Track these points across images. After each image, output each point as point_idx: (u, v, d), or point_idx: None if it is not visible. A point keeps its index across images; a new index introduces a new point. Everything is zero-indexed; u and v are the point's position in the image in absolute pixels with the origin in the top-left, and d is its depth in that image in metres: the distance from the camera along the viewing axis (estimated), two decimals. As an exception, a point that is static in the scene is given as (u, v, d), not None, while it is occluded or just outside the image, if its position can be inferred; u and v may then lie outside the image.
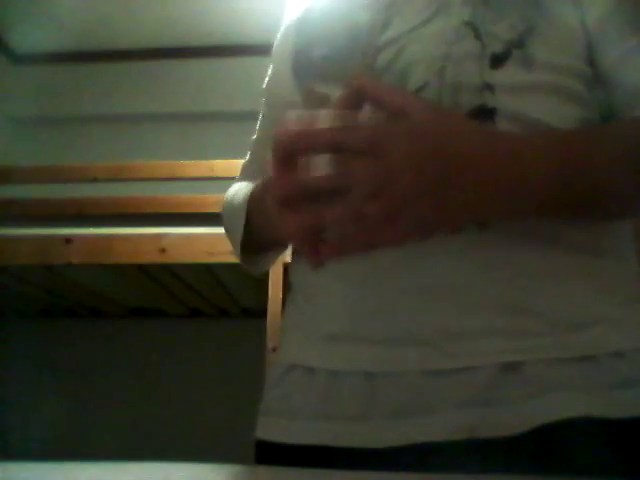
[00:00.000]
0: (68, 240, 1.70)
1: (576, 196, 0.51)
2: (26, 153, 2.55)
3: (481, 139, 0.48)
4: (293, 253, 0.67)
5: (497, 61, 0.55)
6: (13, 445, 2.21)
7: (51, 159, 2.20)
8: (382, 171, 0.43)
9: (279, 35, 0.76)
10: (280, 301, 1.60)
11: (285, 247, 0.69)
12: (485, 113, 0.54)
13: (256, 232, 0.65)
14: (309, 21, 0.69)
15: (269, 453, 0.59)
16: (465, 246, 0.52)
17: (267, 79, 0.77)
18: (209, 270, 1.86)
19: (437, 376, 0.50)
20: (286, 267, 1.49)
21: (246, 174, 0.77)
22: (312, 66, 0.64)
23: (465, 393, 0.49)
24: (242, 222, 0.65)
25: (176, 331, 2.46)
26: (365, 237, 0.45)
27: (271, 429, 0.59)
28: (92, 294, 2.19)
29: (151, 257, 1.70)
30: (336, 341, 0.56)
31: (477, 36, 0.56)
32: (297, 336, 0.61)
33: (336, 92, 0.60)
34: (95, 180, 1.97)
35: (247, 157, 0.80)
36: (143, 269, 1.86)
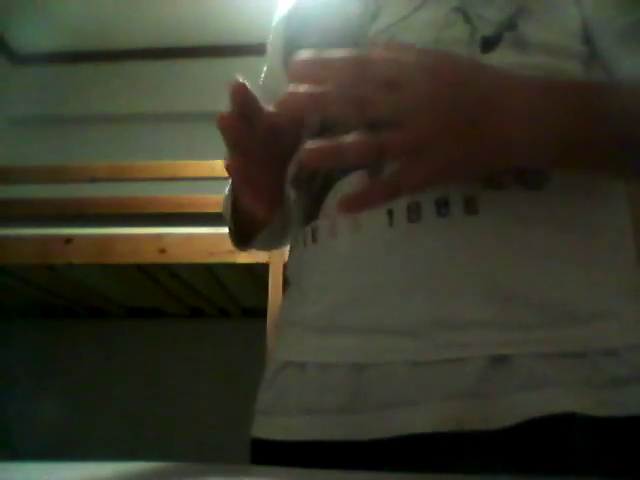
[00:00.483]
0: (68, 240, 1.70)
1: (604, 141, 0.49)
2: (26, 153, 2.55)
3: (507, 78, 0.47)
4: (290, 249, 0.67)
5: (488, 45, 0.54)
6: (13, 445, 2.21)
7: (51, 159, 2.20)
8: (409, 100, 0.42)
9: (272, 30, 0.76)
10: (280, 301, 1.60)
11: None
12: None
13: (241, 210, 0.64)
14: (299, 13, 0.68)
15: (264, 452, 0.59)
16: (454, 233, 0.51)
17: (262, 75, 0.77)
18: (209, 270, 1.86)
19: (425, 367, 0.50)
20: (286, 266, 1.49)
21: None
22: None
23: (453, 385, 0.49)
24: (230, 201, 0.66)
25: (176, 331, 2.46)
26: (390, 179, 0.43)
27: (266, 427, 0.59)
28: (92, 294, 2.19)
29: (151, 257, 1.70)
30: (325, 333, 0.55)
31: (467, 20, 0.55)
32: (290, 332, 0.61)
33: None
34: (95, 180, 1.97)
35: None
36: (143, 269, 1.86)
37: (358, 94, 0.42)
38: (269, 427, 0.58)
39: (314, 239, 0.57)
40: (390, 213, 0.52)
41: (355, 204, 0.45)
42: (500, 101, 0.45)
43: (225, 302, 2.30)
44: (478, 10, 0.56)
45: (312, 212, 0.58)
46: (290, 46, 0.66)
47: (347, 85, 0.42)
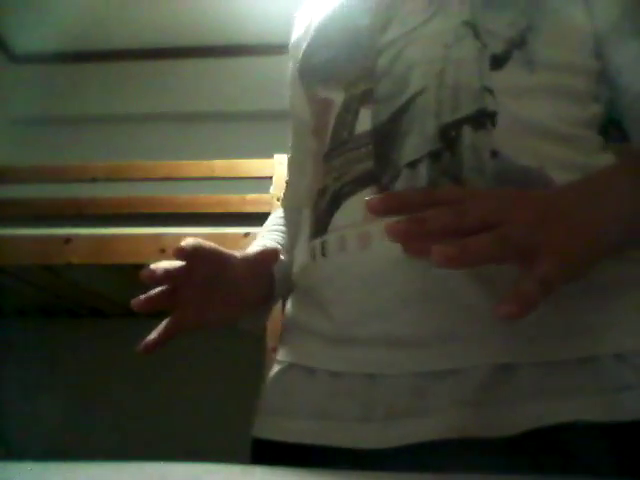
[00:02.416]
0: (68, 240, 1.70)
1: None
2: (26, 153, 2.55)
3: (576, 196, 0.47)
4: (296, 258, 0.68)
5: (497, 63, 0.55)
6: (13, 445, 2.21)
7: (51, 159, 2.20)
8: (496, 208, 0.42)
9: (291, 49, 0.77)
10: (280, 301, 1.60)
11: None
12: (485, 117, 0.53)
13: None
14: (313, 28, 0.69)
15: (266, 452, 0.59)
16: None
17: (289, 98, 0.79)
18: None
19: (432, 377, 0.51)
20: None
21: (285, 200, 0.82)
22: (315, 71, 0.65)
23: (459, 393, 0.50)
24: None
25: (176, 331, 2.46)
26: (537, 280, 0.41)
27: (270, 428, 0.59)
28: (92, 294, 2.19)
29: (151, 257, 1.69)
30: (338, 343, 0.56)
31: (476, 35, 0.56)
32: (298, 336, 0.62)
33: (337, 95, 0.60)
34: (95, 180, 1.97)
35: (285, 181, 0.84)
36: (143, 269, 1.86)
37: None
38: (274, 428, 0.58)
39: (324, 253, 0.58)
40: None
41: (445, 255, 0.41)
42: (580, 203, 0.45)
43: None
44: (488, 25, 0.56)
45: (320, 227, 0.59)
46: (304, 62, 0.68)
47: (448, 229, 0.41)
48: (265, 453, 0.59)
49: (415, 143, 0.54)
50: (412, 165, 0.54)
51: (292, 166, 0.81)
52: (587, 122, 0.57)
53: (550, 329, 0.50)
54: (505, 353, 0.50)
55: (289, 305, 0.67)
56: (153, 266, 0.56)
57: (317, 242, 0.59)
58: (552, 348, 0.50)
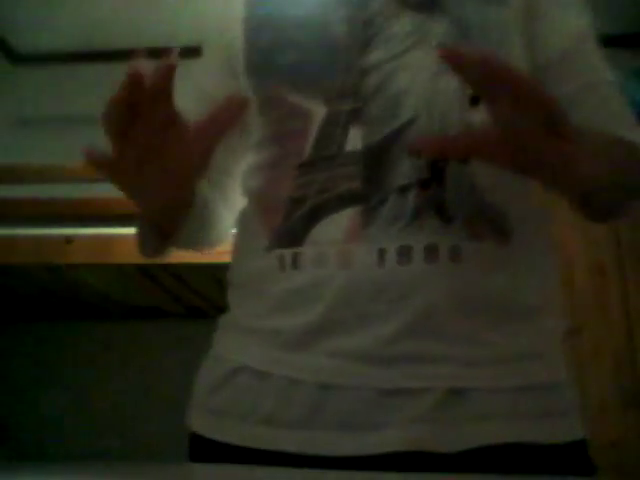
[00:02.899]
0: (68, 240, 1.69)
1: (614, 177, 0.57)
2: (26, 153, 2.54)
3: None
4: (244, 257, 0.66)
5: (475, 100, 0.58)
6: (14, 445, 2.21)
7: (51, 159, 2.19)
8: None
9: (217, 31, 0.75)
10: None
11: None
12: None
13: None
14: (271, 20, 0.67)
15: (208, 450, 0.60)
16: (439, 275, 0.55)
17: (198, 75, 0.76)
18: (209, 270, 1.86)
19: (389, 394, 0.54)
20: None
21: None
22: (279, 71, 0.64)
23: (415, 411, 0.53)
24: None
25: (176, 331, 2.46)
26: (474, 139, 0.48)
27: (218, 429, 0.59)
28: (92, 294, 2.18)
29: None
30: (295, 351, 0.57)
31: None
32: (249, 338, 0.61)
33: (315, 106, 0.60)
34: (95, 180, 1.97)
35: None
36: (143, 269, 1.86)
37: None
38: (220, 429, 0.59)
39: (295, 265, 0.58)
40: (381, 253, 0.55)
41: (430, 146, 0.48)
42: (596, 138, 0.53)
43: (225, 302, 2.29)
44: None
45: (293, 237, 0.59)
46: (261, 55, 0.65)
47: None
48: (207, 451, 0.59)
49: (406, 169, 0.57)
50: (401, 190, 0.56)
51: None
52: None
53: (495, 357, 0.56)
54: (459, 378, 0.54)
55: (237, 304, 0.66)
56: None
57: (287, 252, 0.59)
58: (498, 376, 0.55)
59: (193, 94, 0.76)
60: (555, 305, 0.63)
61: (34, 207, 1.89)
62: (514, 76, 0.44)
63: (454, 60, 0.44)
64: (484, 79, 0.44)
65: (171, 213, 0.62)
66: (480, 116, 0.56)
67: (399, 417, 0.53)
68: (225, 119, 0.51)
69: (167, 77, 0.50)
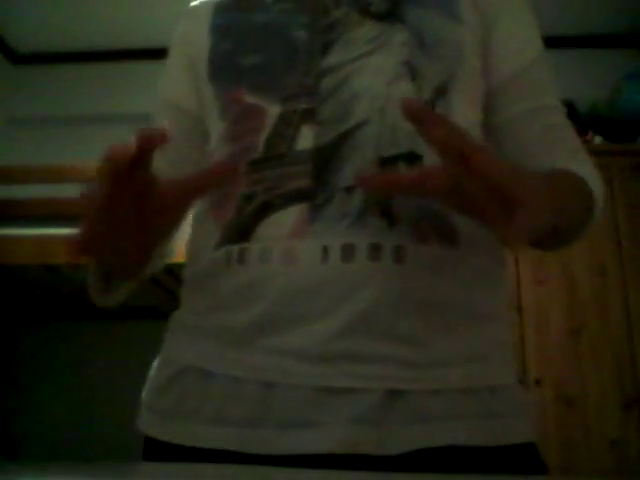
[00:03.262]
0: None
1: (564, 220, 0.58)
2: (26, 153, 2.55)
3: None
4: (197, 256, 0.65)
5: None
6: (14, 445, 2.21)
7: (51, 159, 2.19)
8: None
9: (179, 36, 0.75)
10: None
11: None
12: (415, 157, 0.58)
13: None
14: (233, 26, 0.68)
15: (160, 452, 0.59)
16: (382, 274, 0.55)
17: (163, 86, 0.76)
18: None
19: (330, 393, 0.53)
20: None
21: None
22: (240, 74, 0.64)
23: (354, 411, 0.53)
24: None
25: (176, 331, 2.46)
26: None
27: (165, 430, 0.59)
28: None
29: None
30: (239, 349, 0.57)
31: (413, 77, 0.60)
32: (195, 338, 0.61)
33: (271, 105, 0.61)
34: (94, 180, 1.97)
35: None
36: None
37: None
38: (168, 430, 0.59)
39: (241, 260, 0.58)
40: (325, 250, 0.55)
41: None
42: (547, 187, 0.52)
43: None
44: (422, 69, 0.61)
45: (241, 233, 0.59)
46: (224, 59, 0.66)
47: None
48: (156, 452, 0.59)
49: (353, 170, 0.57)
50: (347, 190, 0.57)
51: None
52: None
53: (436, 359, 0.55)
54: (399, 379, 0.54)
55: (184, 304, 0.66)
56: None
57: (235, 248, 0.59)
58: (439, 378, 0.55)
59: (159, 104, 0.77)
60: (502, 313, 0.63)
61: (34, 207, 1.89)
62: (469, 148, 0.43)
63: (415, 114, 0.45)
64: (440, 140, 0.44)
65: (135, 267, 0.60)
66: None
67: (337, 417, 0.52)
68: (209, 183, 0.50)
69: (151, 147, 0.46)
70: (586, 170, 0.64)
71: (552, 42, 3.15)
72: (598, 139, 2.52)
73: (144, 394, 0.64)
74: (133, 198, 0.48)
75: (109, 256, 0.53)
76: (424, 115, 0.45)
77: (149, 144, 0.45)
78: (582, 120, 2.62)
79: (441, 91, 0.61)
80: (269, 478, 0.43)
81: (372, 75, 0.60)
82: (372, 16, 0.63)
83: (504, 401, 0.57)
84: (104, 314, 2.48)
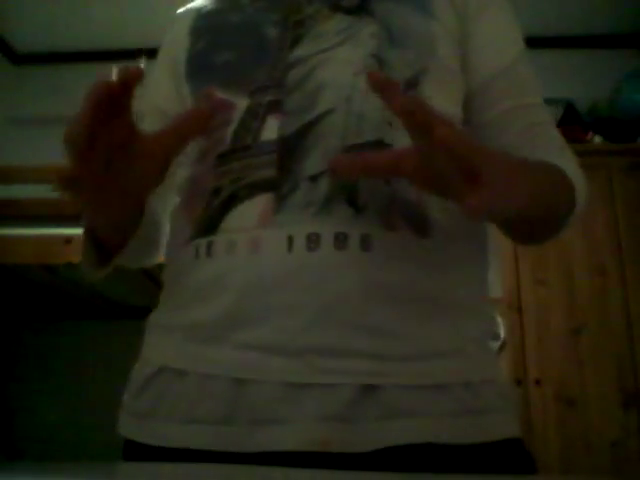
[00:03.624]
0: (68, 240, 1.69)
1: (538, 208, 0.55)
2: (26, 153, 2.55)
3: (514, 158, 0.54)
4: (171, 256, 0.66)
5: None
6: (15, 445, 2.21)
7: (51, 159, 2.19)
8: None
9: (165, 38, 0.77)
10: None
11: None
12: (384, 146, 0.57)
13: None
14: (209, 27, 0.70)
15: (139, 454, 0.59)
16: (347, 266, 0.54)
17: (148, 87, 0.77)
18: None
19: (299, 389, 0.52)
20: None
21: None
22: (212, 72, 0.65)
23: (323, 408, 0.51)
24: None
25: (176, 331, 2.46)
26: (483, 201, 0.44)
27: (142, 432, 0.59)
28: (92, 294, 2.19)
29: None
30: (209, 344, 0.56)
31: (381, 69, 0.60)
32: (169, 337, 0.61)
33: (240, 99, 0.61)
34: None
35: None
36: (143, 269, 1.86)
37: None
38: (145, 432, 0.58)
39: (209, 253, 0.58)
40: (290, 239, 0.54)
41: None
42: (521, 170, 0.52)
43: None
44: (391, 61, 0.61)
45: (209, 226, 0.59)
46: (198, 59, 0.67)
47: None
48: (134, 453, 0.59)
49: (318, 159, 0.57)
50: (313, 179, 0.56)
51: None
52: None
53: (411, 353, 0.54)
54: (371, 374, 0.52)
55: (160, 304, 0.66)
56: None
57: (203, 241, 0.58)
58: (412, 374, 0.53)
59: (144, 107, 0.77)
60: (480, 307, 0.61)
61: (34, 207, 1.89)
62: (434, 119, 0.43)
63: (380, 85, 0.45)
64: (404, 108, 0.44)
65: (122, 228, 0.61)
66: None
67: (306, 414, 0.51)
68: (188, 130, 0.52)
69: (133, 81, 0.47)
70: (570, 167, 0.63)
71: (552, 42, 3.16)
72: (598, 139, 2.52)
73: (124, 397, 0.64)
74: (116, 142, 0.49)
75: (95, 204, 0.53)
76: (388, 85, 0.45)
77: (128, 76, 0.47)
78: (582, 120, 2.62)
79: (412, 83, 0.61)
80: (269, 478, 0.43)
81: (339, 66, 0.60)
82: (342, 11, 0.64)
83: (482, 397, 0.56)
84: (104, 314, 2.48)
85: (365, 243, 0.54)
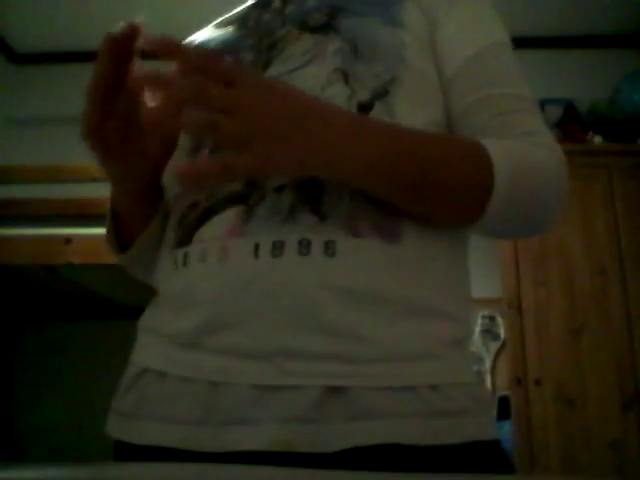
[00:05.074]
0: (68, 240, 1.70)
1: (404, 176, 0.56)
2: (26, 153, 2.55)
3: (331, 105, 0.56)
4: (159, 265, 0.69)
5: (362, 109, 0.61)
6: (15, 445, 2.21)
7: (51, 159, 2.19)
8: (239, 96, 0.50)
9: None
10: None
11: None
12: None
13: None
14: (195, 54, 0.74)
15: (126, 453, 0.61)
16: (310, 271, 0.55)
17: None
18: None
19: (268, 391, 0.54)
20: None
21: None
22: None
23: (288, 409, 0.53)
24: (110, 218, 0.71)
25: (176, 331, 2.46)
26: (222, 162, 0.49)
27: (126, 430, 0.61)
28: (92, 294, 2.19)
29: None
30: (186, 349, 0.59)
31: (346, 81, 0.62)
32: (153, 340, 0.64)
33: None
34: (95, 180, 1.97)
35: None
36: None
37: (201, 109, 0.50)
38: (129, 430, 0.61)
39: (185, 262, 0.61)
40: (257, 246, 0.57)
41: (189, 174, 0.51)
42: (328, 117, 0.54)
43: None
44: (357, 74, 0.63)
45: (186, 238, 0.62)
46: None
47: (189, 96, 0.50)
48: (126, 453, 0.61)
49: None
50: (278, 190, 0.59)
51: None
52: None
53: (377, 355, 0.55)
54: (338, 376, 0.54)
55: (149, 308, 0.69)
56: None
57: (180, 252, 0.62)
58: (381, 375, 0.54)
59: None
60: (453, 311, 0.61)
61: (34, 207, 1.89)
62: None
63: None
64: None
65: (142, 202, 0.69)
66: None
67: (272, 415, 0.53)
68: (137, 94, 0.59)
69: (134, 33, 0.59)
70: (520, 150, 0.60)
71: (552, 42, 3.16)
72: (598, 139, 2.52)
73: (113, 398, 0.67)
74: (129, 110, 0.59)
75: (118, 158, 0.63)
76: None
77: (129, 31, 0.60)
78: (582, 120, 2.62)
79: (380, 93, 0.62)
80: (272, 478, 0.43)
81: (306, 83, 0.62)
82: (309, 30, 0.67)
83: (453, 399, 0.56)
84: (104, 314, 2.48)
85: (329, 249, 0.56)
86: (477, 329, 2.91)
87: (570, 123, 2.60)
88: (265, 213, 0.58)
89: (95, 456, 0.66)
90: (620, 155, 2.37)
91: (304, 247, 0.56)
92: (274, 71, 0.65)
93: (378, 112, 0.61)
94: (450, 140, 0.62)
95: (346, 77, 0.63)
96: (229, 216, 0.59)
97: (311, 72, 0.64)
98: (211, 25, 0.84)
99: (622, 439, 2.07)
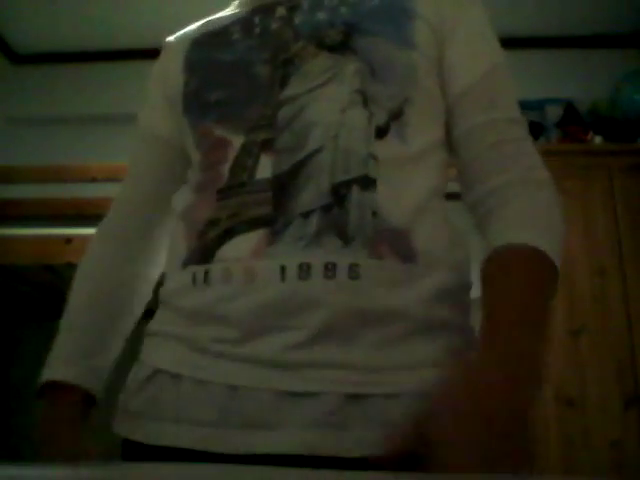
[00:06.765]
0: (68, 240, 1.70)
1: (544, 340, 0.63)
2: (26, 153, 2.55)
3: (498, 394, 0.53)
4: (167, 277, 0.70)
5: (380, 133, 0.63)
6: (15, 445, 2.21)
7: (51, 159, 2.20)
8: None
9: (160, 78, 0.80)
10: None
11: None
12: (369, 181, 0.61)
13: None
14: (203, 64, 0.74)
15: (135, 451, 0.62)
16: (338, 291, 0.58)
17: (143, 117, 0.83)
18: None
19: (289, 397, 0.56)
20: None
21: (119, 201, 0.83)
22: (207, 109, 0.70)
23: (312, 414, 0.55)
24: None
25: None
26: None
27: (138, 430, 0.62)
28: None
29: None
30: (203, 353, 0.60)
31: (365, 104, 0.64)
32: (166, 343, 0.65)
33: (235, 137, 0.67)
34: (94, 180, 1.97)
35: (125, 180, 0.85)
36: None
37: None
38: (139, 430, 0.62)
39: (206, 280, 0.62)
40: (283, 269, 0.59)
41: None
42: (519, 408, 0.52)
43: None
44: (374, 95, 0.64)
45: (206, 255, 0.63)
46: (193, 96, 0.72)
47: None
48: (134, 452, 0.62)
49: (310, 196, 0.61)
50: (305, 215, 0.60)
51: (134, 170, 0.85)
52: (437, 190, 0.66)
53: (395, 365, 0.58)
54: (357, 384, 0.56)
55: (157, 318, 0.70)
56: None
57: (200, 268, 0.63)
58: (396, 383, 0.57)
59: (139, 134, 0.84)
60: (463, 325, 0.65)
61: (34, 207, 1.90)
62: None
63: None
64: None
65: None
66: (384, 147, 0.62)
67: (296, 420, 0.55)
68: None
69: None
70: (541, 214, 0.64)
71: (552, 42, 3.15)
72: (598, 139, 2.52)
73: (120, 397, 0.67)
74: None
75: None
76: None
77: None
78: (582, 120, 2.62)
79: (396, 114, 0.64)
80: (276, 478, 0.43)
81: (326, 104, 0.64)
82: (327, 48, 0.68)
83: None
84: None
85: (352, 271, 0.58)
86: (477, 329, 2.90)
87: (570, 123, 2.59)
88: (291, 237, 0.60)
89: (95, 456, 0.66)
90: (620, 155, 2.37)
91: (330, 270, 0.58)
92: (293, 89, 0.66)
93: (394, 134, 0.63)
94: (535, 288, 0.65)
95: (365, 98, 0.64)
96: (252, 237, 0.61)
97: (330, 92, 0.65)
98: (204, 21, 0.82)
99: (622, 439, 2.07)
